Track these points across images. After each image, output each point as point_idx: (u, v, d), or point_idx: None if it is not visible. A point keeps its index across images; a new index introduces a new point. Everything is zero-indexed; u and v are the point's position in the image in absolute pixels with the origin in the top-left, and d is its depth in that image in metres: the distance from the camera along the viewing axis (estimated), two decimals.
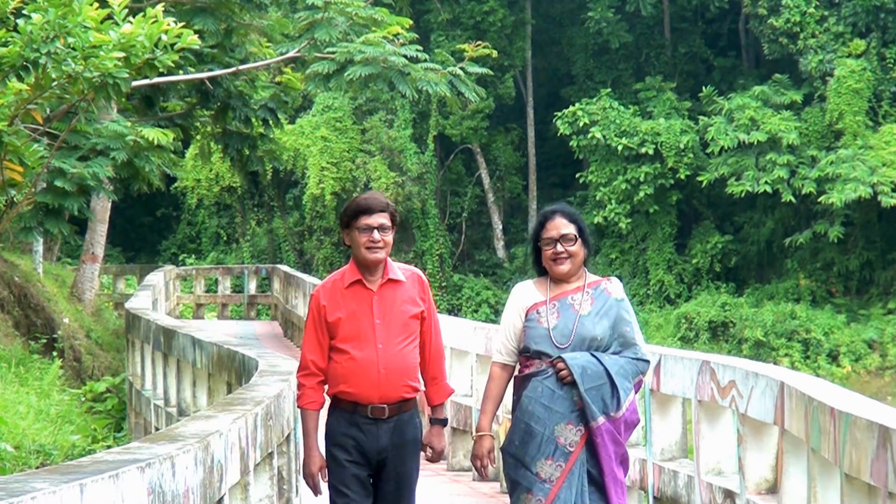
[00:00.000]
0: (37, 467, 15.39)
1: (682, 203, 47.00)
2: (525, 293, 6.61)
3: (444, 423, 6.80)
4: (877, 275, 44.78)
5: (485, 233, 49.44)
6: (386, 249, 6.62)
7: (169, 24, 11.70)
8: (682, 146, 45.56)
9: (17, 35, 11.16)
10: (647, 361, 6.62)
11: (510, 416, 6.73)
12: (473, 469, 6.76)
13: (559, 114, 46.56)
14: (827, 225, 43.77)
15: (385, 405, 6.61)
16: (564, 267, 6.53)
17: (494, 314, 44.29)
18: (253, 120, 22.02)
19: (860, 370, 42.32)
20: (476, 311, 46.35)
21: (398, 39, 19.80)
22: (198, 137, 24.37)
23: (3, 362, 20.21)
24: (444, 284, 47.79)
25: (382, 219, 6.60)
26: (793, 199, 43.64)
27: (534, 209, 47.86)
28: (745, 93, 45.37)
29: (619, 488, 6.46)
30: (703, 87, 46.65)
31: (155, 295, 25.84)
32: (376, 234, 6.57)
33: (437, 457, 6.80)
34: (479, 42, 21.58)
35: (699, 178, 45.34)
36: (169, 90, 19.89)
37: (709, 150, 45.33)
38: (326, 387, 6.72)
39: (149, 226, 52.31)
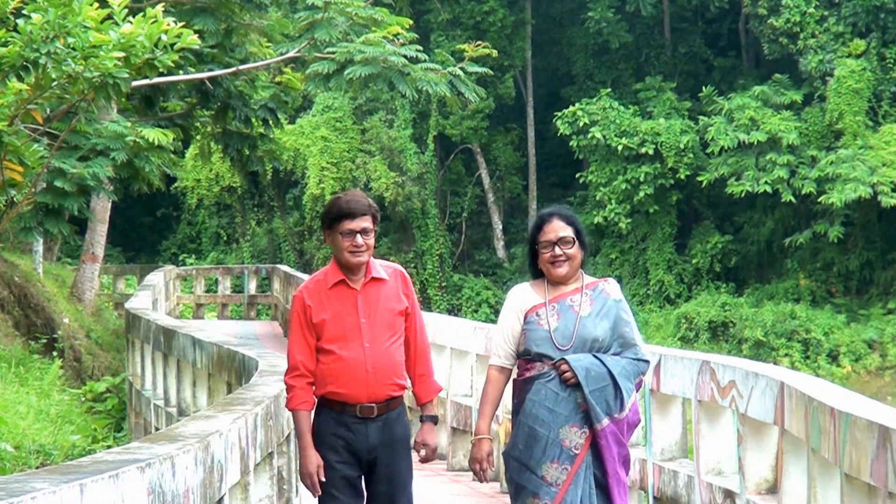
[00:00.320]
0: (37, 467, 15.40)
1: (682, 203, 47.01)
2: (523, 295, 6.59)
3: (434, 420, 6.76)
4: (877, 275, 44.78)
5: (485, 233, 49.45)
6: (369, 252, 6.60)
7: (169, 24, 11.69)
8: (682, 146, 45.57)
9: (17, 35, 11.16)
10: (647, 361, 6.62)
11: (510, 416, 6.71)
12: (472, 473, 6.70)
13: (559, 114, 46.56)
14: (827, 225, 43.77)
15: (374, 404, 6.59)
16: (563, 269, 6.51)
17: (494, 314, 44.26)
18: (253, 120, 22.02)
19: (860, 370, 42.32)
20: (476, 311, 46.35)
21: (398, 39, 19.80)
22: (198, 137, 24.36)
23: (3, 362, 20.21)
24: (444, 284, 47.78)
25: (365, 222, 6.59)
26: (793, 199, 43.65)
27: (534, 209, 47.88)
28: (745, 93, 45.38)
29: (622, 489, 6.45)
30: (703, 87, 46.65)
31: (155, 295, 25.84)
32: (359, 239, 6.56)
33: (430, 454, 6.74)
34: (479, 42, 21.57)
35: (699, 178, 45.35)
36: (169, 90, 19.89)
37: (709, 150, 45.34)
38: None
39: (149, 226, 52.32)
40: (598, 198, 46.77)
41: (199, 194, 50.15)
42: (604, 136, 45.76)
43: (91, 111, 14.30)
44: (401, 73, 19.62)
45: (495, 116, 48.84)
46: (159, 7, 11.91)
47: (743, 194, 44.22)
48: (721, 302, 44.20)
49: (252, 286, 36.35)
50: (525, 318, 6.53)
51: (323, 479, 6.58)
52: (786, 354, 42.33)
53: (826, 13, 44.64)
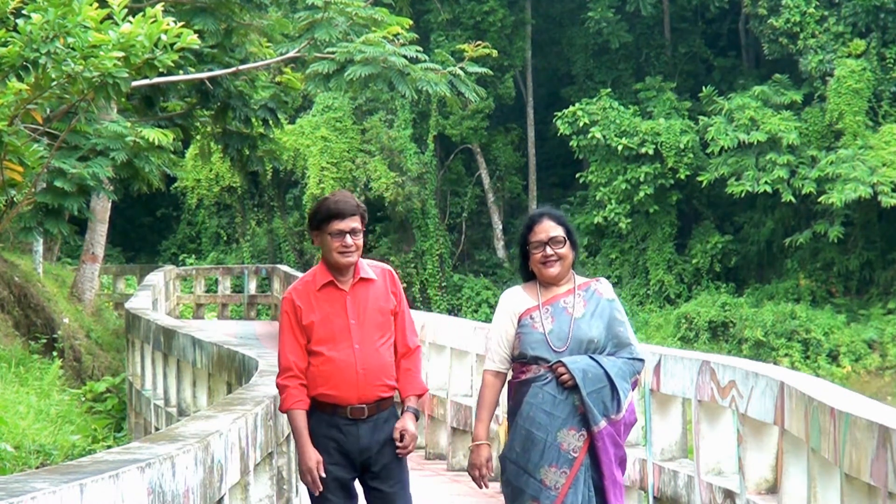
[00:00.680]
0: (37, 467, 15.40)
1: (682, 203, 47.01)
2: (516, 299, 6.55)
3: (416, 413, 6.69)
4: (877, 275, 44.78)
5: (485, 233, 49.45)
6: (358, 252, 6.57)
7: (168, 24, 11.69)
8: (682, 146, 45.57)
9: (17, 35, 11.16)
10: (643, 360, 6.57)
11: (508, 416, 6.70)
12: (471, 479, 6.67)
13: (559, 114, 46.57)
14: (827, 225, 43.77)
15: (364, 405, 6.57)
16: (554, 270, 6.48)
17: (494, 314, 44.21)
18: (253, 120, 22.02)
19: (860, 370, 42.32)
20: (476, 311, 46.34)
21: (398, 39, 19.79)
22: (198, 137, 24.36)
23: (3, 362, 20.21)
24: (444, 284, 47.78)
25: (354, 223, 6.54)
26: (793, 199, 43.65)
27: (534, 209, 47.84)
28: (745, 93, 45.38)
29: (617, 490, 6.44)
30: (703, 87, 46.65)
31: (155, 295, 25.85)
32: (349, 239, 6.53)
33: (410, 440, 6.63)
34: (479, 42, 21.56)
35: (699, 178, 45.35)
36: (169, 90, 19.88)
37: (709, 150, 45.34)
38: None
39: (149, 226, 52.31)
40: (598, 198, 46.78)
41: (199, 194, 50.14)
42: (604, 136, 45.76)
43: (91, 111, 14.29)
44: (401, 73, 19.62)
45: (495, 116, 48.84)
46: (159, 7, 11.91)
47: (743, 194, 44.22)
48: (721, 302, 44.19)
49: (252, 286, 36.35)
50: (519, 321, 6.50)
51: (323, 475, 6.56)
52: (786, 354, 42.33)
53: (826, 13, 44.64)
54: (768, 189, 43.65)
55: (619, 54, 48.86)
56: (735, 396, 8.19)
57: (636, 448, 9.93)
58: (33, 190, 13.99)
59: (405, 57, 19.69)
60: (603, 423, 6.37)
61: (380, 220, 47.53)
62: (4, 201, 13.60)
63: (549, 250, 6.46)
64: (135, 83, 14.01)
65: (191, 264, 46.82)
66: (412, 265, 47.60)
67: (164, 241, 51.90)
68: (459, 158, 49.14)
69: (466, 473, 13.14)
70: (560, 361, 6.38)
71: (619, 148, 45.75)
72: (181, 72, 17.85)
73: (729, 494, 8.31)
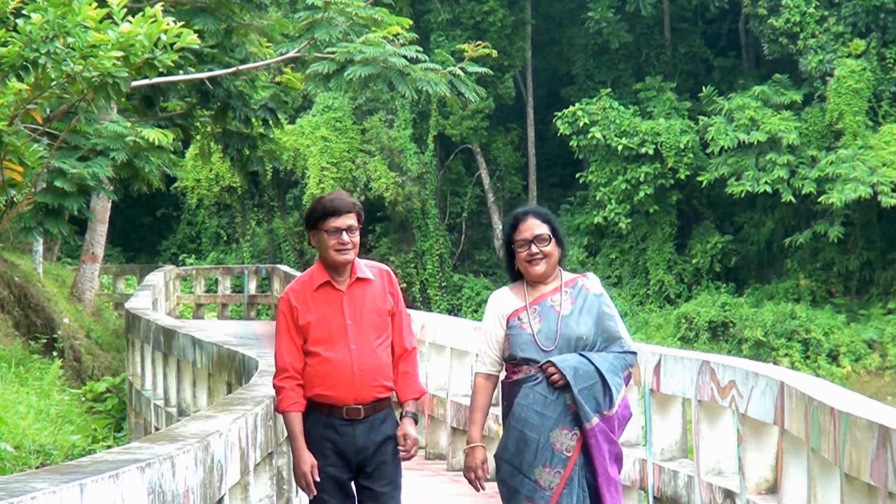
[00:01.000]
0: (37, 467, 15.39)
1: (682, 203, 47.01)
2: (503, 300, 6.53)
3: (415, 417, 6.70)
4: (877, 275, 44.78)
5: (485, 233, 49.44)
6: (355, 250, 6.56)
7: (168, 24, 11.68)
8: (682, 146, 45.58)
9: (17, 35, 11.16)
10: (635, 353, 6.54)
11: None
12: (468, 482, 6.66)
13: (559, 114, 46.57)
14: (827, 225, 43.77)
15: (360, 406, 6.56)
16: (540, 268, 6.45)
17: None
18: (253, 120, 22.01)
19: (860, 370, 42.32)
20: (476, 311, 46.32)
21: (398, 39, 19.79)
22: (198, 137, 24.35)
23: (3, 362, 20.21)
24: (444, 284, 47.78)
25: (350, 220, 6.53)
26: (793, 199, 43.65)
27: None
28: (745, 93, 45.38)
29: (613, 487, 6.40)
30: (703, 87, 46.65)
31: (155, 295, 25.85)
32: (345, 237, 6.51)
33: (412, 446, 6.67)
34: (479, 42, 21.55)
35: (699, 178, 45.35)
36: (169, 90, 19.88)
37: (709, 150, 45.34)
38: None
39: (149, 226, 52.31)
40: (598, 198, 46.78)
41: (199, 194, 50.15)
42: (604, 136, 45.76)
43: (91, 111, 14.29)
44: (401, 73, 19.61)
45: (495, 116, 48.83)
46: (158, 6, 11.90)
47: (743, 194, 44.22)
48: (721, 302, 44.20)
49: (252, 286, 36.35)
50: (507, 322, 6.48)
51: (317, 479, 6.56)
52: (786, 354, 42.33)
53: (826, 13, 44.64)
54: (768, 189, 43.65)
55: (619, 54, 48.86)
56: (735, 396, 8.19)
57: (636, 448, 9.92)
58: (33, 190, 13.99)
59: (405, 57, 19.68)
60: (595, 420, 6.34)
61: (380, 220, 47.54)
62: (4, 201, 13.60)
63: (534, 248, 6.43)
64: (135, 83, 14.00)
65: (191, 264, 46.81)
66: (412, 265, 47.59)
67: (164, 241, 51.90)
68: (459, 158, 49.14)
69: None
70: (550, 361, 6.36)
71: (619, 148, 45.75)
72: (181, 72, 17.84)
73: (729, 494, 8.31)
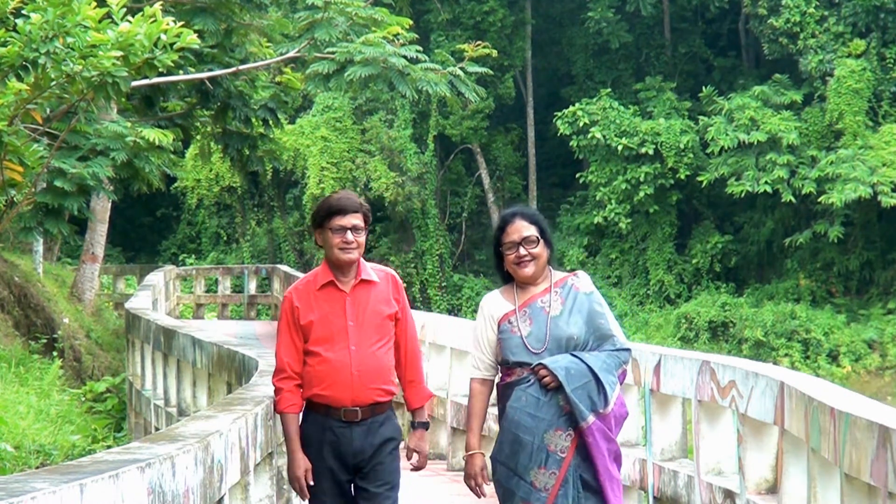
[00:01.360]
0: (37, 467, 15.39)
1: (682, 203, 47.02)
2: (494, 304, 6.52)
3: (425, 426, 6.70)
4: (877, 275, 44.78)
5: (485, 233, 49.44)
6: (359, 250, 6.54)
7: (168, 24, 11.68)
8: (682, 146, 45.58)
9: (17, 35, 11.15)
10: (629, 350, 6.49)
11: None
12: (468, 489, 6.64)
13: (559, 114, 46.57)
14: (827, 225, 43.77)
15: (358, 408, 6.54)
16: (528, 270, 6.42)
17: None
18: (253, 120, 22.01)
19: (860, 370, 42.32)
20: (476, 311, 46.29)
21: (398, 40, 19.78)
22: (198, 137, 24.35)
23: (3, 362, 20.21)
24: (444, 284, 47.78)
25: (356, 219, 6.51)
26: (793, 199, 43.65)
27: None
28: (745, 93, 45.38)
29: (615, 486, 6.38)
30: (703, 87, 46.66)
31: (155, 295, 25.84)
32: (350, 235, 6.49)
33: (422, 461, 6.69)
34: (479, 42, 21.55)
35: (699, 178, 45.36)
36: (169, 90, 19.87)
37: (709, 150, 45.35)
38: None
39: (149, 226, 52.32)
40: (598, 198, 46.78)
41: (199, 194, 50.15)
42: (604, 136, 45.77)
43: (91, 111, 14.29)
44: (401, 73, 19.61)
45: (495, 116, 48.84)
46: (158, 6, 11.90)
47: (743, 194, 44.22)
48: (721, 302, 44.20)
49: (252, 286, 36.35)
50: (498, 326, 6.47)
51: (311, 483, 6.55)
52: (786, 354, 42.33)
53: (826, 13, 44.64)
54: (768, 189, 43.66)
55: (619, 54, 48.86)
56: (735, 396, 8.19)
57: (636, 448, 9.92)
58: (33, 190, 13.99)
59: (405, 57, 19.68)
60: (591, 418, 6.32)
61: (380, 220, 47.53)
62: (4, 201, 13.60)
63: (522, 251, 6.40)
64: (135, 83, 14.00)
65: (191, 264, 46.81)
66: (412, 265, 47.59)
67: (164, 241, 51.90)
68: (459, 158, 49.14)
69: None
70: (541, 363, 6.33)
71: (619, 148, 45.76)
72: (181, 72, 17.84)
73: (729, 494, 8.31)
